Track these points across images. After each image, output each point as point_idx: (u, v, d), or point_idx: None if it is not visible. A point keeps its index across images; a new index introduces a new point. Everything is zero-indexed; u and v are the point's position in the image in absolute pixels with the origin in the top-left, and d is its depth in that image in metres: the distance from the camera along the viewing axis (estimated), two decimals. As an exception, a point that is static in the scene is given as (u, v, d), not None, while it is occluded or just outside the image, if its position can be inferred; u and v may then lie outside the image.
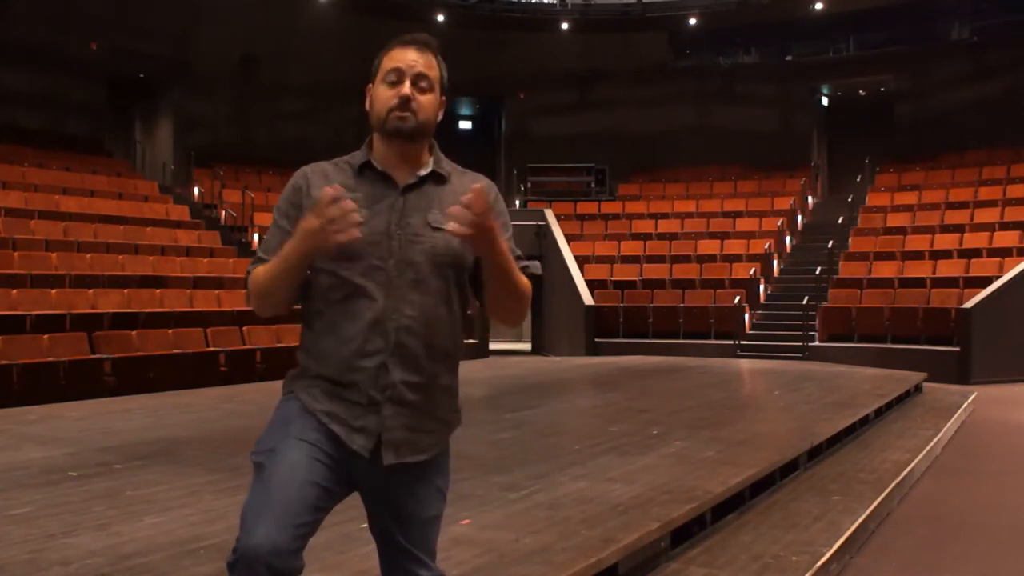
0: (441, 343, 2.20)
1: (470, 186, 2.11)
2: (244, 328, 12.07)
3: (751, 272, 17.37)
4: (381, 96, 2.18)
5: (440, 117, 2.25)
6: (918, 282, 15.76)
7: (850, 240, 18.10)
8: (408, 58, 2.17)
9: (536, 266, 2.36)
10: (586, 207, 21.11)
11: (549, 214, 18.73)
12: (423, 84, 2.17)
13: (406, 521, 2.20)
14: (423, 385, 2.16)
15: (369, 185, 2.18)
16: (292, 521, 2.00)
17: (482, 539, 3.98)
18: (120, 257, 13.22)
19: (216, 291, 13.26)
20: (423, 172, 2.21)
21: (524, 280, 2.23)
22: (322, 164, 2.25)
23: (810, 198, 21.02)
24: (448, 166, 2.26)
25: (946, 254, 16.52)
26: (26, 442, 6.60)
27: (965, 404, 10.49)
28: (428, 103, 2.18)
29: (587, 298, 16.96)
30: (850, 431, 7.87)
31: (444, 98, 2.25)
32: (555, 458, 5.95)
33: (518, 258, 2.25)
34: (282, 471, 2.05)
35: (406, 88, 2.15)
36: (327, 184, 2.13)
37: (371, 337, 2.10)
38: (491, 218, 2.02)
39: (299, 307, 2.26)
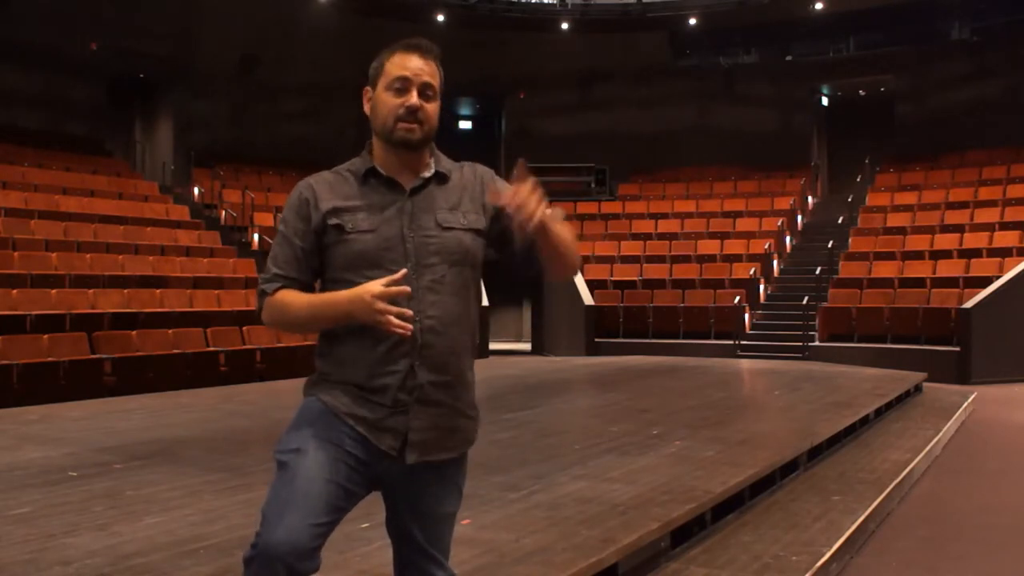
0: (462, 340, 2.23)
1: (471, 178, 2.25)
2: (244, 328, 12.07)
3: (751, 272, 17.37)
4: (386, 103, 2.17)
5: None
6: (918, 282, 15.76)
7: (850, 240, 18.09)
8: (413, 66, 2.16)
9: (557, 214, 2.27)
10: (586, 207, 21.10)
11: (549, 214, 18.69)
12: (429, 93, 2.18)
13: (426, 519, 2.23)
14: (448, 383, 2.20)
15: (374, 192, 2.19)
16: (313, 520, 2.03)
17: (482, 539, 3.97)
18: (120, 257, 13.22)
19: (216, 291, 13.26)
20: (427, 174, 2.22)
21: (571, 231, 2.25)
22: (323, 174, 2.25)
23: (810, 198, 21.02)
24: (447, 163, 2.27)
25: (946, 254, 16.51)
26: (26, 442, 6.60)
27: (965, 404, 10.48)
28: (433, 111, 2.19)
29: (587, 298, 16.95)
30: (850, 431, 7.87)
31: (440, 102, 2.25)
32: (555, 458, 5.95)
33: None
34: (305, 470, 2.08)
35: (414, 98, 2.15)
36: (334, 195, 2.17)
37: (400, 341, 2.12)
38: (532, 195, 2.06)
39: None
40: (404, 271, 2.07)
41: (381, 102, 2.19)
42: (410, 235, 2.15)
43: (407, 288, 2.05)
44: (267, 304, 2.21)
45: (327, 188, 2.20)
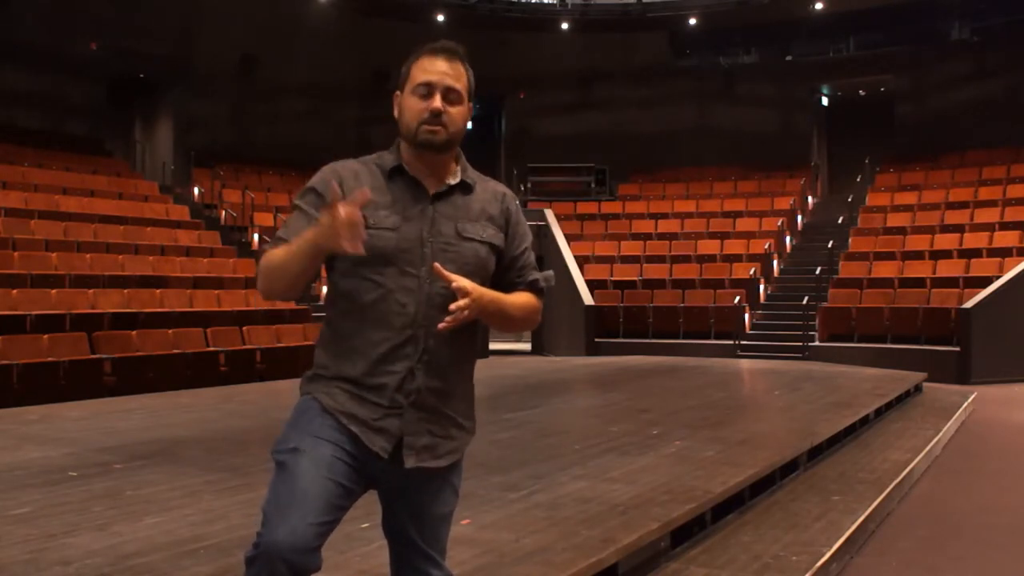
0: (466, 350, 2.24)
1: (493, 196, 2.26)
2: (244, 328, 12.06)
3: (751, 272, 17.37)
4: (411, 107, 2.19)
5: (468, 124, 2.27)
6: (918, 282, 15.76)
7: (850, 240, 18.09)
8: (438, 70, 2.18)
9: (549, 277, 2.36)
10: (586, 207, 21.11)
11: (549, 214, 18.73)
12: (453, 96, 2.19)
13: (422, 518, 2.23)
14: (446, 391, 2.20)
15: (399, 191, 2.19)
16: (314, 519, 2.03)
17: (482, 539, 3.98)
18: (120, 257, 13.22)
19: (216, 291, 13.26)
20: (452, 181, 2.23)
21: (522, 303, 2.26)
22: (351, 163, 2.25)
23: (810, 198, 21.02)
24: (473, 174, 2.28)
25: (946, 254, 16.52)
26: (26, 442, 6.59)
27: (965, 404, 10.48)
28: (458, 115, 2.20)
29: (587, 298, 16.95)
30: (850, 431, 7.87)
31: (471, 104, 2.26)
32: (555, 458, 5.95)
33: (532, 268, 2.32)
34: (305, 469, 2.08)
35: (437, 102, 2.16)
36: (359, 185, 2.15)
37: (402, 343, 2.13)
38: (466, 307, 2.07)
39: (324, 314, 2.29)
40: (366, 191, 2.02)
41: (407, 106, 2.20)
42: (429, 239, 2.15)
43: (366, 190, 2.01)
44: (259, 268, 2.15)
45: (352, 176, 2.20)
